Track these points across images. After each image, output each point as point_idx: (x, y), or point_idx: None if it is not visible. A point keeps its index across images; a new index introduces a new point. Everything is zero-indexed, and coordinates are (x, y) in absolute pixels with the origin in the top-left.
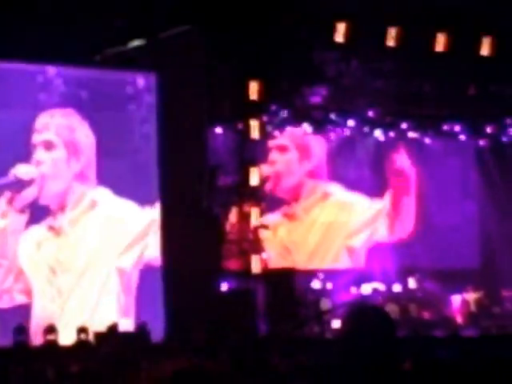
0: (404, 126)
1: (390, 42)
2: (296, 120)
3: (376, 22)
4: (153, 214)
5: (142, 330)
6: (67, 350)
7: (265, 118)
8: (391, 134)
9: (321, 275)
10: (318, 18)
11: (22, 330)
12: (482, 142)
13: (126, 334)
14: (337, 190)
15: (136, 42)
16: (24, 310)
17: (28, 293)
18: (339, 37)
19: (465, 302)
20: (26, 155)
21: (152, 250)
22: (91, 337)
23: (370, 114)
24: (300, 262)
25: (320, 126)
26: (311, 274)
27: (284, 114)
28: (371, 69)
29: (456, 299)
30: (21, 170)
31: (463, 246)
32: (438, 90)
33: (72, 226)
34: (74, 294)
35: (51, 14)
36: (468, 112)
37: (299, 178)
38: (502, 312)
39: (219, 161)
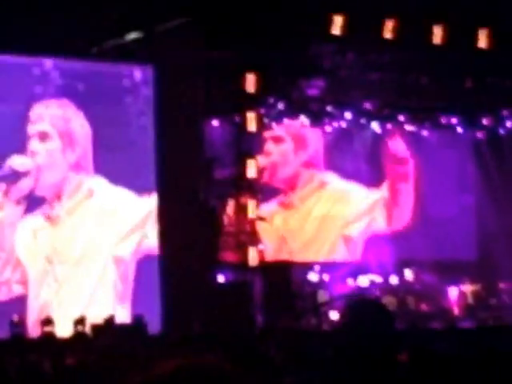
0: (401, 118)
1: (387, 35)
2: (293, 112)
3: (373, 14)
4: (151, 203)
5: (138, 322)
6: (64, 342)
7: (262, 111)
8: (388, 126)
9: (317, 267)
10: (315, 10)
11: (18, 322)
12: (479, 135)
13: (123, 327)
14: (334, 180)
15: (133, 35)
16: (21, 302)
17: (25, 283)
18: (336, 29)
19: (462, 294)
20: (21, 146)
21: (151, 240)
22: (88, 329)
23: (367, 106)
24: (296, 251)
25: (317, 119)
26: (308, 267)
27: (281, 106)
28: (368, 61)
29: (453, 291)
30: (16, 162)
31: (460, 238)
32: (435, 82)
33: (69, 215)
34: (70, 283)
35: (48, 6)
36: (465, 104)
37: (295, 168)
38: (499, 304)
39: (216, 153)
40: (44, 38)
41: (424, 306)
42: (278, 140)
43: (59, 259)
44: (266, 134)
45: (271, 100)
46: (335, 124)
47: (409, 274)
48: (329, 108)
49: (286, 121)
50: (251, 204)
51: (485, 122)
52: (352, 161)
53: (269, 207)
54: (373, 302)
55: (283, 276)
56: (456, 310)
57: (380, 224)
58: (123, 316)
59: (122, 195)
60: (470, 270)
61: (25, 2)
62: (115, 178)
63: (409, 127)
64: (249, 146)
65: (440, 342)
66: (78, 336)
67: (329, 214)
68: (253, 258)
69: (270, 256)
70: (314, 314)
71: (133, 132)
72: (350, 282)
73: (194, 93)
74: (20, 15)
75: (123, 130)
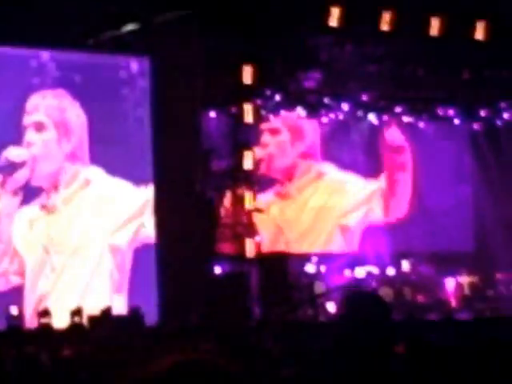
0: (398, 109)
1: (384, 27)
2: (290, 104)
3: (370, 6)
4: (148, 193)
5: (135, 314)
6: (61, 333)
7: (259, 102)
8: (385, 117)
9: (314, 258)
10: (312, 2)
11: (15, 313)
12: (476, 126)
13: (120, 318)
14: (331, 170)
15: (130, 27)
16: (19, 293)
17: (23, 274)
18: (333, 21)
19: (459, 286)
20: (17, 138)
21: (148, 229)
22: (85, 320)
23: (364, 97)
24: (293, 241)
25: (314, 110)
26: (305, 258)
27: (278, 98)
28: (365, 53)
29: (450, 282)
30: (12, 153)
31: (457, 229)
32: (432, 74)
33: (65, 204)
34: (67, 273)
35: None
36: (462, 96)
37: (292, 159)
38: (496, 295)
39: (213, 145)
40: (41, 30)
41: (421, 298)
42: (274, 132)
43: (56, 249)
44: (263, 125)
45: (268, 92)
46: (332, 115)
47: (406, 265)
48: (326, 100)
49: (282, 112)
50: (248, 195)
51: (482, 113)
52: (349, 152)
53: (265, 197)
54: (370, 293)
55: (280, 267)
56: (453, 302)
57: (377, 214)
58: (120, 305)
59: (119, 185)
60: (467, 261)
61: None
62: (112, 168)
63: (406, 118)
64: (246, 137)
65: (437, 334)
66: (75, 327)
67: (326, 204)
68: (250, 249)
69: (267, 246)
70: (310, 306)
71: (129, 123)
72: (346, 273)
73: (191, 84)
74: (17, 7)
75: (120, 122)
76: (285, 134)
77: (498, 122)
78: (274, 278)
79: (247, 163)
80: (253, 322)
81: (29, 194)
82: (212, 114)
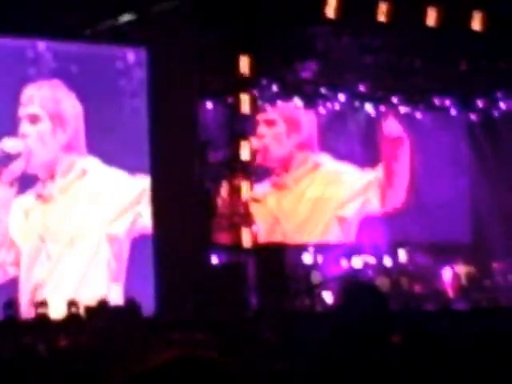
0: (395, 99)
1: (381, 18)
2: (287, 94)
3: None
4: (144, 183)
5: (132, 304)
6: (58, 324)
7: (255, 93)
8: (382, 108)
9: (311, 249)
10: None
11: (11, 304)
12: (473, 117)
13: (117, 309)
14: (328, 161)
15: (127, 17)
16: (15, 284)
17: (19, 264)
18: (330, 12)
19: (456, 276)
20: (12, 128)
21: (145, 219)
22: (81, 311)
23: (361, 88)
24: (290, 232)
25: (311, 101)
26: (302, 248)
27: (275, 88)
28: (362, 44)
29: (447, 273)
30: (8, 144)
31: (454, 219)
32: (429, 64)
33: (62, 194)
34: (63, 262)
35: None
36: (459, 86)
37: (289, 150)
38: (493, 285)
39: (210, 135)
40: (37, 20)
41: (418, 288)
42: (270, 123)
43: (52, 238)
44: (259, 117)
45: (265, 82)
46: (329, 106)
47: (402, 256)
48: (323, 90)
49: (279, 103)
50: (245, 186)
51: (479, 103)
52: (346, 142)
53: (262, 188)
54: (367, 284)
55: (277, 258)
56: (450, 292)
57: (374, 205)
58: (117, 295)
59: (116, 175)
60: (463, 251)
61: None
62: (109, 158)
63: (403, 109)
64: (242, 127)
65: (434, 324)
66: (72, 318)
67: (323, 195)
68: (246, 239)
69: (264, 237)
70: (307, 296)
71: (126, 114)
72: (343, 263)
73: (188, 74)
74: None
75: (116, 112)
76: (281, 126)
77: (495, 113)
78: (271, 269)
79: (244, 153)
80: (250, 312)
81: (24, 183)
82: (209, 105)
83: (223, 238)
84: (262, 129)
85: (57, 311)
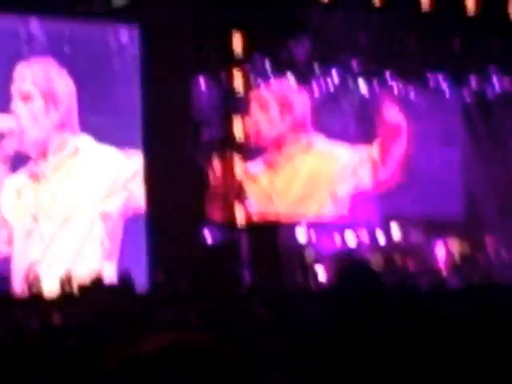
0: (387, 74)
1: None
2: (280, 71)
3: None
4: (138, 161)
5: (126, 281)
6: (51, 301)
7: (248, 69)
8: (375, 85)
9: (304, 226)
10: None
11: (4, 279)
12: (466, 95)
13: (111, 286)
14: (321, 140)
15: None
16: (7, 262)
17: (12, 243)
18: None
19: (449, 252)
20: (4, 106)
21: (139, 198)
22: (75, 288)
23: (354, 66)
24: (283, 211)
25: (304, 78)
26: (295, 225)
27: (267, 64)
28: (356, 23)
29: (440, 249)
30: None
31: (447, 195)
32: (422, 46)
33: (54, 172)
34: (57, 240)
35: None
36: (453, 66)
37: (281, 130)
38: (486, 261)
39: (203, 113)
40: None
41: (411, 264)
42: (263, 105)
43: (45, 216)
44: (252, 97)
45: (257, 58)
46: (322, 83)
47: (396, 232)
48: (316, 67)
49: (272, 80)
50: (238, 163)
51: (473, 82)
52: (340, 121)
53: (255, 167)
54: (361, 263)
55: (270, 235)
56: (443, 268)
57: (366, 182)
58: (110, 272)
59: (109, 152)
60: (457, 227)
61: None
62: (101, 137)
63: (396, 87)
64: (235, 105)
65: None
66: (65, 295)
67: (315, 173)
68: (240, 217)
69: (257, 216)
70: (301, 274)
71: (119, 92)
72: (337, 240)
73: (181, 52)
74: None
75: (110, 90)
76: (274, 108)
77: (489, 91)
78: (265, 246)
79: (237, 130)
80: (243, 289)
81: (16, 162)
82: (202, 82)
83: (216, 215)
84: (254, 109)
85: (50, 289)
